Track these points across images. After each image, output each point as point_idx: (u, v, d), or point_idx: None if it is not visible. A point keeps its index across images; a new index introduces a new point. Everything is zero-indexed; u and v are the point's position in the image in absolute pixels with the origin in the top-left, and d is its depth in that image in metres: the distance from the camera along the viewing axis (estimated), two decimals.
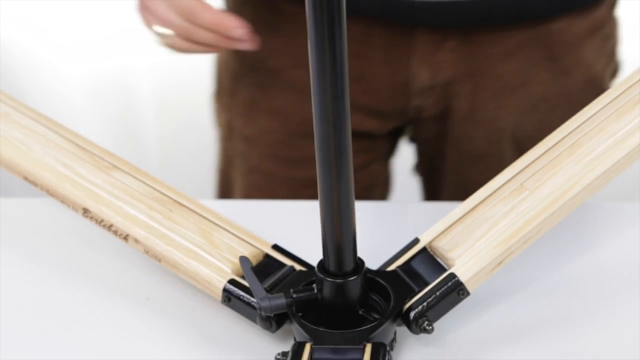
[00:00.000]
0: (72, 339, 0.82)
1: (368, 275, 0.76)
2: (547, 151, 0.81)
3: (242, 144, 1.09)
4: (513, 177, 0.80)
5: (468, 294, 0.75)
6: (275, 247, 0.81)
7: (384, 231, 0.92)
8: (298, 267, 0.80)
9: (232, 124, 1.10)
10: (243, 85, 1.03)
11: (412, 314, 0.74)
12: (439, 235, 0.78)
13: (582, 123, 0.82)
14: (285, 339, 0.79)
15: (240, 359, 0.79)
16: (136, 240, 0.81)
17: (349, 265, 0.73)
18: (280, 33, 0.97)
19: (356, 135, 1.00)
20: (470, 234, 0.77)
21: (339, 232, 0.70)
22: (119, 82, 1.95)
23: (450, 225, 0.79)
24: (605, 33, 1.05)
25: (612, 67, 1.11)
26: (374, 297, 0.77)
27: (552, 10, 0.96)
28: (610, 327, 0.80)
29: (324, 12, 0.62)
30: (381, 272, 0.78)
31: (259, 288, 0.73)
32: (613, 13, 1.06)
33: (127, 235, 0.81)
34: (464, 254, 0.76)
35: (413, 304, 0.75)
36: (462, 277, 0.75)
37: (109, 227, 0.82)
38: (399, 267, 0.78)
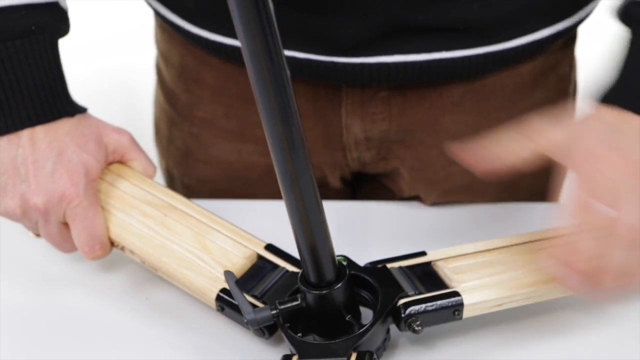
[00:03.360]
0: (71, 338, 0.80)
1: (357, 273, 0.74)
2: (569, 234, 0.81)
3: (184, 191, 1.06)
4: (531, 241, 0.79)
5: (460, 318, 0.73)
6: (269, 248, 0.79)
7: (387, 230, 0.91)
8: (291, 268, 0.77)
9: (171, 173, 1.08)
10: (178, 134, 1.01)
11: (406, 311, 0.71)
12: (448, 257, 0.77)
13: None
14: (282, 342, 0.76)
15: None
16: (132, 252, 0.80)
17: (330, 275, 0.70)
18: (206, 83, 0.95)
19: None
20: (481, 269, 0.75)
21: (314, 247, 0.68)
22: (121, 81, 1.92)
23: (461, 255, 0.77)
24: (561, 73, 0.97)
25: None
26: (364, 294, 0.75)
27: (486, 69, 0.88)
28: (609, 331, 0.79)
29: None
30: (370, 269, 0.75)
31: (244, 303, 0.72)
32: (570, 50, 0.98)
33: (123, 247, 0.81)
34: (471, 282, 0.74)
35: (410, 302, 0.72)
36: (466, 299, 0.72)
37: None
38: (398, 268, 0.76)
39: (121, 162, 0.86)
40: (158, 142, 1.08)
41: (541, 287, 0.75)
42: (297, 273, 0.75)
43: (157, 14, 0.94)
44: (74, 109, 0.83)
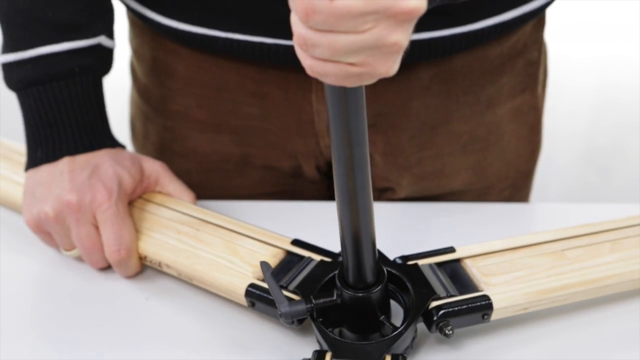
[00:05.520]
0: (71, 338, 0.80)
1: (391, 270, 0.74)
2: (589, 234, 0.81)
3: None
4: (553, 240, 0.80)
5: (488, 321, 0.74)
6: (295, 242, 0.80)
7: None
8: (318, 257, 0.78)
9: None
10: (153, 128, 1.00)
11: (438, 314, 0.72)
12: (477, 255, 0.77)
13: (628, 226, 0.83)
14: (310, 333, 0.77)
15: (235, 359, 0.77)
16: (168, 266, 0.82)
17: (370, 278, 0.71)
18: (178, 74, 0.95)
19: (287, 174, 0.99)
20: (510, 271, 0.76)
21: (359, 251, 0.68)
22: (122, 83, 1.88)
23: (490, 253, 0.78)
24: (531, 58, 0.97)
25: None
26: (394, 289, 0.75)
27: (453, 51, 0.88)
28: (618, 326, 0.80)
29: None
30: (403, 266, 0.76)
31: (279, 295, 0.72)
32: (539, 35, 0.98)
33: (160, 262, 0.83)
34: (500, 285, 0.75)
35: (442, 305, 0.72)
36: (495, 303, 0.73)
37: (144, 258, 0.84)
38: (428, 265, 0.76)
39: (156, 189, 0.89)
40: (134, 140, 1.08)
41: (566, 291, 0.76)
42: (327, 262, 0.77)
43: (128, 9, 0.94)
44: (113, 143, 0.87)
